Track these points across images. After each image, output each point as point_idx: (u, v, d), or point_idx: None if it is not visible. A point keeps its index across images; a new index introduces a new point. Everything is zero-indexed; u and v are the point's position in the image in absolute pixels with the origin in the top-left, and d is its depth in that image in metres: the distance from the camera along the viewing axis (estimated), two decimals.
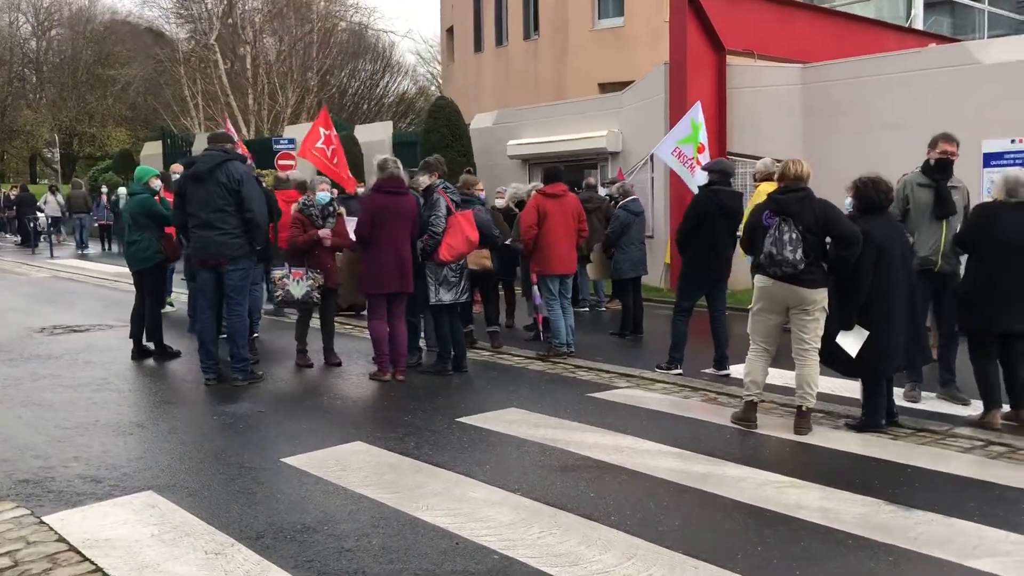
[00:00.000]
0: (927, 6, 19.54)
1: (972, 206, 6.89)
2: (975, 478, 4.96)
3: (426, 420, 6.32)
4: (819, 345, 5.92)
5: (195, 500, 4.69)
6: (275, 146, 19.26)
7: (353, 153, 19.11)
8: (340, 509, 4.55)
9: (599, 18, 23.16)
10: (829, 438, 5.80)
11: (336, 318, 8.82)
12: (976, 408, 6.29)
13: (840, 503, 4.54)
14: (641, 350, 9.39)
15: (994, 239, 5.98)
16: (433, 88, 45.35)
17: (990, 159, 11.13)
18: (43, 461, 5.37)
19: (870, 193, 5.85)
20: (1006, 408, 6.06)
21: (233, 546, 4.06)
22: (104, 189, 25.57)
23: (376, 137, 21.04)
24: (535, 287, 9.28)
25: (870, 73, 12.69)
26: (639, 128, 15.35)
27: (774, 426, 6.08)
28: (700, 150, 11.38)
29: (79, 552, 4.02)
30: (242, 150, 9.84)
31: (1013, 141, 11.03)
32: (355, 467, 5.23)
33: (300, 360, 8.35)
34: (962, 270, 6.59)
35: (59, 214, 25.90)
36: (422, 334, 8.67)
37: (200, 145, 24.36)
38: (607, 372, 7.96)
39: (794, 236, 5.62)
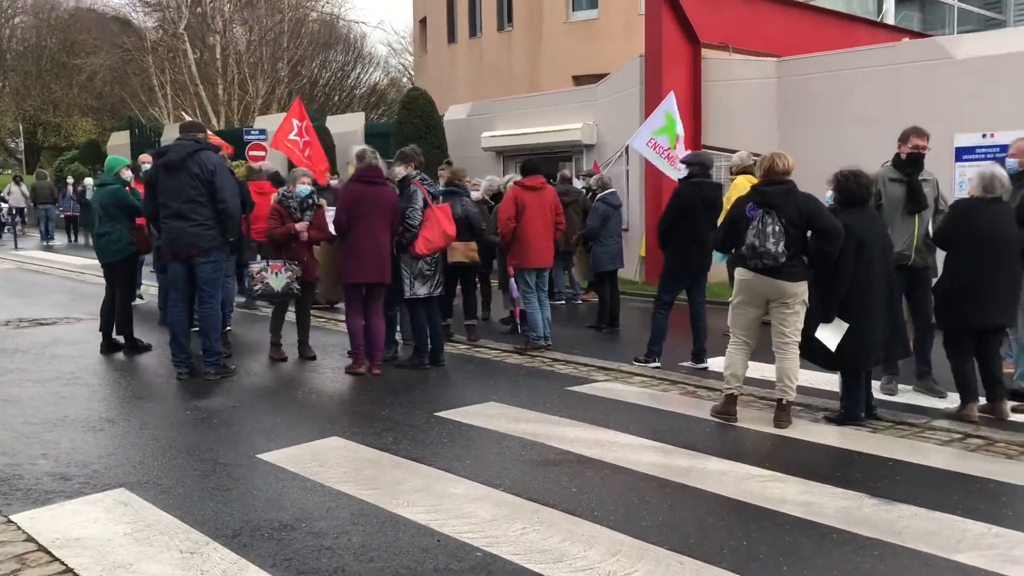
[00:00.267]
0: (898, 1, 19.68)
1: (944, 199, 6.94)
2: (955, 471, 4.97)
3: (404, 414, 6.24)
4: (799, 338, 5.91)
5: (168, 497, 4.58)
6: (246, 137, 18.96)
7: (325, 144, 18.92)
8: (318, 506, 4.46)
9: (573, 10, 23.10)
10: (809, 431, 5.80)
11: (311, 311, 8.69)
12: (952, 400, 6.33)
13: (823, 497, 4.52)
14: (618, 343, 9.37)
15: (971, 235, 5.99)
16: (405, 80, 45.08)
17: (962, 153, 11.23)
18: (10, 458, 5.22)
19: (851, 186, 5.84)
20: (982, 401, 6.09)
21: (209, 544, 3.97)
22: (70, 180, 25.12)
23: (348, 128, 20.84)
24: (512, 280, 9.22)
25: (844, 67, 12.75)
26: (614, 121, 15.31)
27: (754, 419, 6.06)
28: (677, 142, 11.34)
29: (49, 552, 3.91)
30: (225, 148, 9.66)
31: (985, 136, 11.12)
32: (333, 463, 5.14)
33: (274, 353, 8.23)
34: (937, 263, 6.62)
35: (23, 205, 25.42)
36: (398, 328, 8.58)
37: (169, 135, 24.01)
38: (585, 365, 7.91)
39: (777, 229, 5.60)
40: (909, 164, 6.59)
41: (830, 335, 5.76)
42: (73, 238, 24.41)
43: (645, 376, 7.48)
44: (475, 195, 10.72)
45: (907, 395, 6.74)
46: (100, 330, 8.62)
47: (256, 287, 7.96)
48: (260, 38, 34.42)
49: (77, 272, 16.04)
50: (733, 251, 6.07)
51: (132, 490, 4.68)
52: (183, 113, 16.73)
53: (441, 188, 9.01)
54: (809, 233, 5.81)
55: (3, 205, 24.89)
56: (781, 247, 5.59)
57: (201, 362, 7.44)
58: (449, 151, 17.10)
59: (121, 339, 8.62)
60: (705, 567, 3.71)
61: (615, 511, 4.33)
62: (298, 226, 7.92)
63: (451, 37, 27.07)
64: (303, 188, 8.08)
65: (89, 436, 5.71)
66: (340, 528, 4.16)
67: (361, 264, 7.37)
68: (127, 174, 8.65)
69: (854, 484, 4.71)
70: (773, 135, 13.05)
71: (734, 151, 10.21)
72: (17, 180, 26.51)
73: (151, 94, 34.35)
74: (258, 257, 8.17)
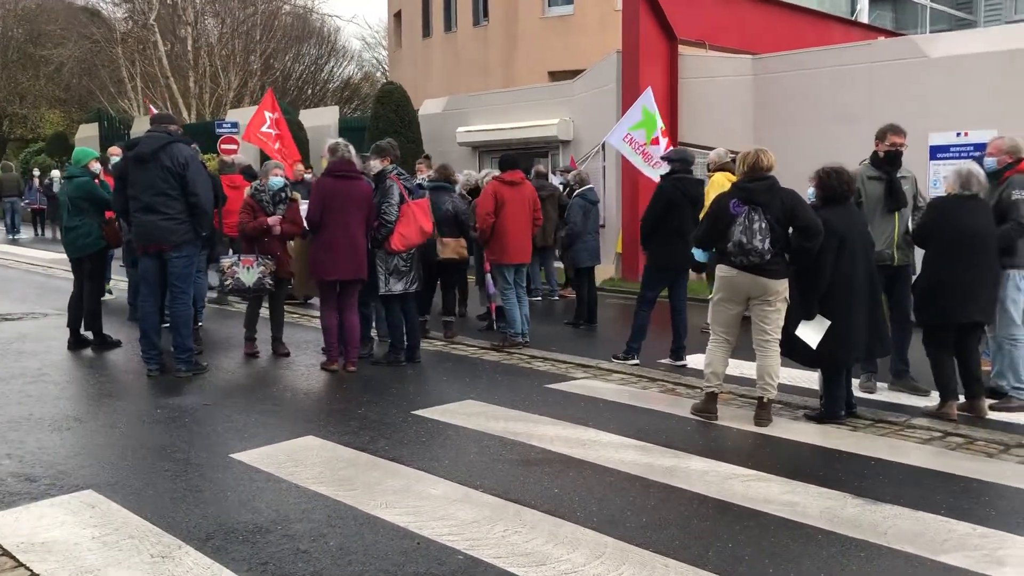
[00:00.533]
0: (871, 0, 19.80)
1: (923, 197, 6.95)
2: (937, 470, 4.95)
3: (381, 413, 6.13)
4: (780, 336, 5.88)
5: (139, 499, 4.44)
6: (217, 130, 18.69)
7: (298, 138, 18.70)
8: (294, 508, 4.34)
9: (549, 6, 23.01)
10: (790, 429, 5.76)
11: (285, 307, 8.54)
12: (933, 398, 6.33)
13: (807, 497, 4.48)
14: (596, 339, 9.31)
15: (949, 232, 5.98)
16: (379, 74, 44.77)
17: (936, 152, 11.28)
18: None
19: (833, 183, 5.81)
20: (961, 399, 6.09)
21: (181, 548, 3.85)
22: (36, 172, 24.67)
23: (322, 122, 20.62)
24: (488, 276, 9.14)
25: (820, 65, 12.79)
26: (591, 116, 15.25)
27: (734, 417, 6.02)
28: (655, 141, 11.30)
29: (13, 557, 3.77)
30: None
31: (959, 134, 11.18)
32: (308, 463, 5.02)
33: (248, 349, 8.08)
34: (916, 261, 6.61)
35: None
36: (374, 324, 8.46)
37: (139, 128, 23.65)
38: (563, 362, 7.84)
39: (763, 225, 5.56)
40: (887, 162, 6.58)
41: (811, 332, 5.73)
42: (40, 231, 23.97)
43: (624, 373, 7.42)
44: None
45: (885, 393, 6.73)
46: (68, 326, 8.42)
47: (227, 282, 7.81)
48: (232, 30, 34.01)
49: (44, 266, 15.73)
50: (714, 249, 6.00)
51: (100, 492, 4.54)
52: (151, 107, 16.48)
53: (429, 183, 8.91)
54: (790, 230, 5.78)
55: None
56: (767, 244, 5.55)
57: (172, 359, 7.28)
58: (424, 146, 16.95)
59: (89, 335, 8.42)
60: (690, 569, 3.64)
61: (598, 512, 4.26)
62: (270, 220, 7.78)
63: (426, 31, 26.88)
64: (276, 181, 7.93)
65: (56, 436, 5.55)
66: (317, 531, 4.05)
67: (335, 260, 7.25)
68: (96, 167, 8.45)
69: (837, 484, 4.67)
70: (749, 132, 13.07)
71: (710, 148, 10.19)
72: None
73: (120, 86, 33.84)
74: (230, 252, 8.01)
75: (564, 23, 22.47)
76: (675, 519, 4.21)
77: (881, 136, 6.66)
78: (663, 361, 7.82)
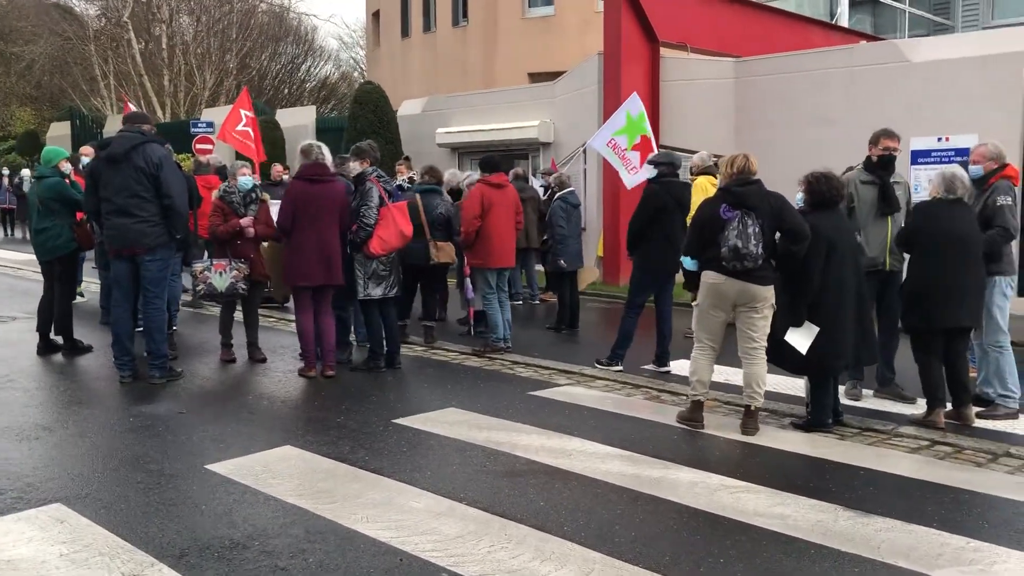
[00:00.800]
0: (850, 4, 19.86)
1: (912, 203, 6.91)
2: (927, 480, 4.89)
3: (361, 422, 5.99)
4: (766, 343, 5.80)
5: (110, 514, 4.28)
6: (192, 129, 18.47)
7: (275, 138, 18.50)
8: (272, 522, 4.20)
9: (529, 7, 22.91)
10: (777, 438, 5.69)
11: (260, 311, 8.38)
12: (919, 406, 6.28)
13: (797, 509, 4.39)
14: (578, 345, 9.21)
15: (934, 236, 5.94)
16: (356, 74, 44.51)
17: (918, 156, 11.29)
18: None
19: (822, 188, 5.75)
20: (948, 407, 6.04)
21: (153, 566, 3.70)
22: (5, 171, 24.23)
23: (299, 122, 20.40)
24: (467, 280, 9.01)
25: (801, 68, 12.78)
26: (571, 118, 15.17)
27: (720, 425, 5.94)
28: (636, 147, 11.20)
29: None
30: None
31: (940, 139, 11.21)
32: (287, 474, 4.88)
33: (224, 355, 7.91)
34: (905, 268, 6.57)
35: None
36: (352, 329, 8.31)
37: (112, 126, 23.30)
38: (546, 368, 7.73)
39: (757, 230, 5.48)
40: (880, 166, 6.53)
41: (800, 339, 5.66)
42: (9, 232, 23.55)
43: (608, 380, 7.32)
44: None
45: (870, 400, 6.68)
46: (37, 330, 8.20)
47: (199, 287, 7.64)
48: (208, 28, 33.64)
49: (13, 268, 15.41)
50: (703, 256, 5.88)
51: (70, 505, 4.37)
52: (128, 103, 16.19)
53: (419, 187, 8.78)
54: (777, 234, 5.71)
55: None
56: (760, 248, 5.47)
57: (146, 365, 7.09)
58: (403, 147, 16.80)
59: (60, 340, 8.21)
60: None
61: (586, 526, 4.15)
62: (243, 221, 7.63)
63: (405, 31, 26.70)
64: (245, 181, 7.78)
65: (23, 446, 5.36)
66: (296, 546, 3.92)
67: (307, 266, 7.11)
68: (67, 167, 8.23)
69: (827, 495, 4.59)
70: (730, 135, 13.04)
71: (692, 151, 10.13)
72: None
73: (93, 84, 33.37)
74: (205, 255, 7.84)
75: (545, 24, 22.39)
76: (664, 533, 4.11)
77: (875, 140, 6.60)
78: (646, 367, 7.73)
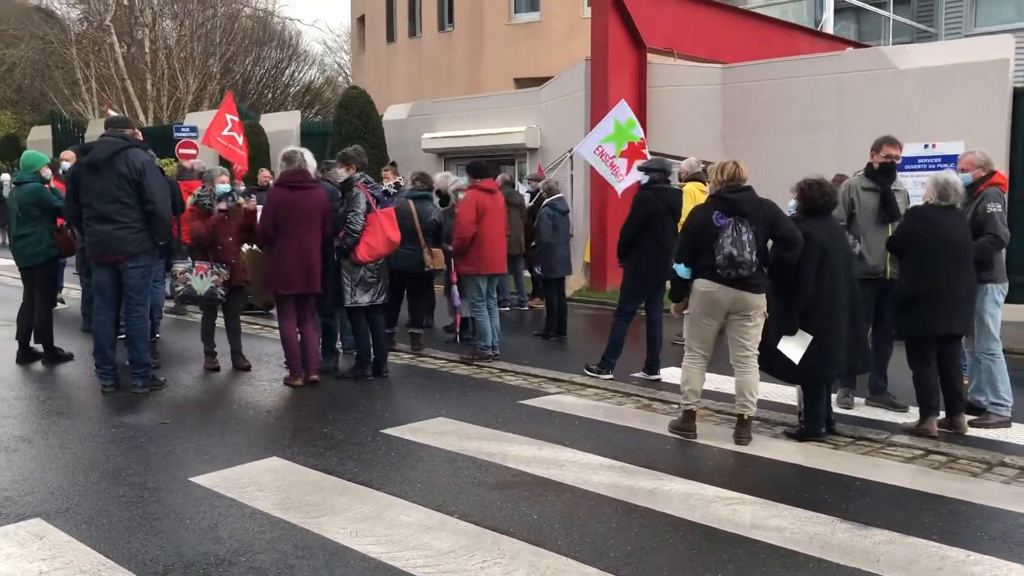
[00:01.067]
0: (835, 11, 19.93)
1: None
2: (923, 491, 4.83)
3: (348, 432, 5.88)
4: (758, 351, 5.74)
5: (91, 529, 4.16)
6: (176, 134, 18.28)
7: (260, 143, 18.33)
8: (259, 537, 4.09)
9: (515, 12, 22.86)
10: (770, 448, 5.62)
11: (244, 318, 8.25)
12: (911, 414, 6.24)
13: (795, 521, 4.33)
14: (567, 352, 9.13)
15: (926, 242, 5.91)
16: (341, 79, 44.32)
17: (905, 163, 11.21)
18: None
19: (815, 195, 5.70)
20: (941, 415, 6.00)
21: None
22: None
23: (283, 127, 20.23)
24: (454, 287, 8.92)
25: (789, 75, 12.79)
26: (558, 124, 15.12)
27: (712, 435, 5.87)
28: (624, 154, 11.15)
29: None
30: None
31: (927, 146, 11.22)
32: (273, 487, 4.77)
33: (208, 363, 7.78)
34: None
35: None
36: (339, 336, 8.20)
37: (94, 131, 23.06)
38: (535, 376, 7.64)
39: (750, 237, 5.42)
40: (882, 173, 6.49)
41: (793, 347, 5.60)
42: None
43: (598, 388, 7.24)
44: None
45: (862, 408, 6.64)
46: (16, 338, 8.05)
47: (178, 288, 7.53)
48: (191, 32, 33.40)
49: None
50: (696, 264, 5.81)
51: (50, 520, 4.25)
52: (109, 109, 16.01)
53: (411, 193, 8.69)
54: (769, 242, 5.65)
55: None
56: (754, 256, 5.42)
57: (128, 374, 6.96)
58: (388, 152, 16.68)
59: (40, 348, 8.05)
60: None
61: (580, 540, 4.07)
62: (220, 205, 7.55)
63: (390, 36, 26.58)
64: (222, 187, 7.70)
65: (1, 458, 5.22)
66: (283, 562, 3.81)
67: (288, 273, 7.02)
68: (48, 173, 8.09)
69: (824, 506, 4.53)
70: (717, 142, 13.03)
71: (680, 157, 10.07)
72: None
73: (75, 88, 33.05)
74: (189, 259, 7.72)
75: (530, 30, 22.34)
76: (660, 547, 4.03)
77: (877, 148, 6.58)
78: (636, 375, 7.66)
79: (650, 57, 14.03)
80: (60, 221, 7.88)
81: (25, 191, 7.87)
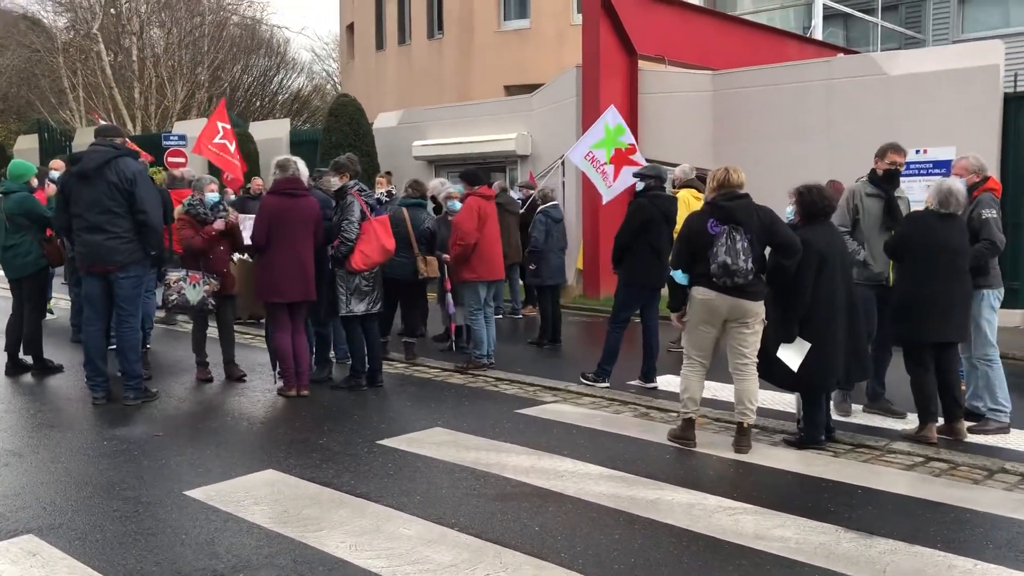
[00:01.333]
0: (823, 18, 20.00)
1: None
2: (925, 499, 4.80)
3: (344, 443, 5.81)
4: (757, 359, 5.71)
5: (85, 545, 4.09)
6: (165, 142, 18.18)
7: (249, 151, 18.24)
8: (256, 551, 4.03)
9: (505, 19, 22.85)
10: (770, 456, 5.59)
11: (236, 328, 8.16)
12: (909, 420, 6.22)
13: (799, 531, 4.29)
14: (562, 360, 9.08)
15: (923, 248, 5.89)
16: (329, 86, 44.22)
17: None
18: None
19: (814, 198, 5.67)
20: (940, 421, 5.98)
21: None
22: None
23: (273, 135, 20.14)
24: (449, 295, 8.87)
25: (779, 81, 12.79)
26: (550, 131, 15.09)
27: (711, 443, 5.83)
28: (614, 159, 11.12)
29: None
30: (143, 156, 9.01)
31: (918, 151, 11.21)
32: (270, 500, 4.70)
33: (200, 374, 7.70)
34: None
35: None
36: (332, 346, 8.13)
37: (81, 140, 22.92)
38: (531, 385, 7.59)
39: (745, 245, 5.39)
40: (886, 180, 6.47)
41: (792, 355, 5.57)
42: None
43: (595, 396, 7.19)
44: None
45: (859, 415, 6.61)
46: (5, 350, 7.95)
47: (172, 297, 7.44)
48: (179, 41, 33.26)
49: None
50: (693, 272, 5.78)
51: (43, 536, 4.18)
52: (99, 117, 15.89)
53: (404, 200, 8.64)
54: (767, 249, 5.63)
55: None
56: (750, 263, 5.38)
57: (119, 385, 6.88)
58: (379, 159, 16.63)
59: (29, 359, 7.96)
60: None
61: (583, 552, 4.01)
62: (217, 224, 7.46)
63: (379, 44, 26.52)
64: (212, 196, 7.62)
65: None
66: None
67: (284, 282, 6.96)
68: (35, 182, 8.01)
69: (827, 516, 4.50)
70: (708, 148, 13.02)
71: (671, 164, 10.07)
72: None
73: (61, 96, 32.82)
74: (183, 269, 7.63)
75: (520, 37, 22.33)
76: (665, 559, 3.98)
77: (881, 154, 6.56)
78: (633, 383, 7.61)
79: (641, 64, 14.03)
80: (49, 231, 7.80)
81: (13, 201, 7.78)
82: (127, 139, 7.20)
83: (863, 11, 21.33)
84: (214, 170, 14.33)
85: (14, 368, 7.89)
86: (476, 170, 8.60)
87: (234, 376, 7.71)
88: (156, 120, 31.67)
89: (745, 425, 5.68)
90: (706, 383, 6.02)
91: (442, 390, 7.49)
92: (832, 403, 6.40)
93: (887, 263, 6.38)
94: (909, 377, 5.99)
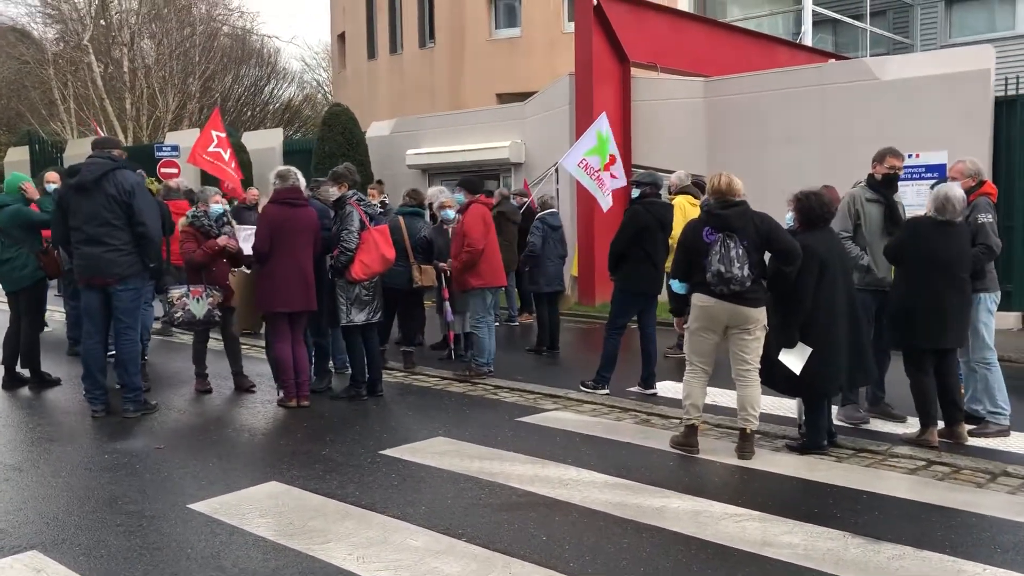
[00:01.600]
0: (812, 24, 20.12)
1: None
2: (931, 503, 4.81)
3: (347, 454, 5.79)
4: (759, 365, 5.72)
5: (90, 560, 4.07)
6: (157, 153, 18.16)
7: (242, 160, 18.20)
8: (263, 565, 4.01)
9: (496, 28, 22.91)
10: (774, 462, 5.59)
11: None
12: (909, 424, 6.24)
13: (806, 537, 4.29)
14: (561, 367, 9.08)
15: (921, 254, 5.91)
16: (320, 96, 44.20)
17: None
18: None
19: (812, 204, 5.68)
20: (941, 425, 5.99)
21: None
22: None
23: (266, 144, 20.10)
24: (447, 303, 8.86)
25: (772, 87, 12.84)
26: (543, 139, 15.12)
27: (714, 450, 5.83)
28: (611, 162, 11.17)
29: None
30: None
31: (910, 156, 11.26)
32: (275, 512, 4.68)
33: (200, 385, 7.68)
34: None
35: None
36: (331, 356, 8.11)
37: (72, 151, 22.83)
38: (531, 393, 7.58)
39: (740, 252, 5.40)
40: (885, 184, 6.49)
41: (794, 360, 5.57)
42: None
43: (595, 403, 7.19)
44: None
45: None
46: (2, 363, 7.91)
47: (177, 314, 7.40)
48: (170, 52, 33.20)
49: None
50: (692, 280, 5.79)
51: (47, 552, 4.15)
52: (97, 128, 15.85)
53: (402, 209, 8.64)
54: (767, 255, 5.64)
55: None
56: (746, 271, 5.39)
57: (118, 398, 6.84)
58: (372, 168, 16.62)
59: (27, 373, 7.91)
60: None
61: (592, 562, 4.01)
62: (220, 240, 7.43)
63: (371, 53, 26.54)
64: (216, 208, 7.60)
65: None
66: None
67: (286, 291, 6.94)
68: (32, 189, 7.99)
69: (834, 521, 4.50)
70: (702, 154, 13.05)
71: (667, 171, 10.08)
72: None
73: (52, 108, 32.72)
74: (185, 285, 7.60)
75: (511, 45, 22.38)
76: (675, 568, 3.97)
77: (880, 159, 6.56)
78: (632, 389, 7.61)
79: (634, 71, 14.07)
80: (46, 234, 7.72)
81: (7, 214, 7.73)
82: (124, 151, 7.17)
83: (852, 17, 21.45)
84: (208, 180, 14.30)
85: (11, 382, 7.86)
86: (473, 178, 8.60)
87: (244, 387, 7.69)
88: (148, 131, 31.61)
89: (748, 431, 5.68)
90: (708, 389, 6.03)
91: (442, 399, 7.48)
92: (844, 416, 6.42)
93: (890, 268, 6.39)
94: (908, 381, 6.01)
